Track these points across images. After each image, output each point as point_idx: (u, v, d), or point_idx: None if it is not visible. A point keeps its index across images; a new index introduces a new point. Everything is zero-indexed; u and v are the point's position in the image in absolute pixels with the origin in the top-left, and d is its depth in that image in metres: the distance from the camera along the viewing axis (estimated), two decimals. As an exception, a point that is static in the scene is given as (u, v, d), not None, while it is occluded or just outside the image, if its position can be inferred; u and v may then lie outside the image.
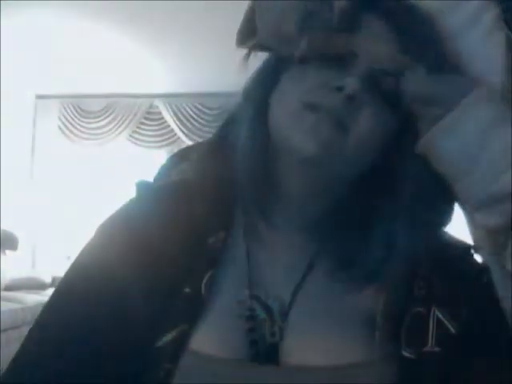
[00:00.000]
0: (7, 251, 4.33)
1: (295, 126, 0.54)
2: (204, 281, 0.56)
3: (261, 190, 0.58)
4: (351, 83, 0.52)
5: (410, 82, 0.54)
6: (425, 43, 0.56)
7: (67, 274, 0.60)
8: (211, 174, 0.61)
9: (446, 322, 0.54)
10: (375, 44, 0.55)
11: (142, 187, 0.66)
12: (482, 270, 0.59)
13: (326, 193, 0.59)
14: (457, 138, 0.52)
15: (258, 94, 0.59)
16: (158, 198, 0.63)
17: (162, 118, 5.21)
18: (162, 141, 5.19)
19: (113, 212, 0.63)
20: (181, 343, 0.54)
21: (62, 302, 0.59)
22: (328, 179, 0.57)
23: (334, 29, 0.55)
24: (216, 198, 0.60)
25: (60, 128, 5.29)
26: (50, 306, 0.59)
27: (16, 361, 0.56)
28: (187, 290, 0.56)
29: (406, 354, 0.54)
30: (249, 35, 0.61)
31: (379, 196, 0.57)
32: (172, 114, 5.12)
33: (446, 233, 0.63)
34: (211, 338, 0.55)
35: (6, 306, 3.37)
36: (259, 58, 0.62)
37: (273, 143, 0.57)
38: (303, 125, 0.53)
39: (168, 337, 0.54)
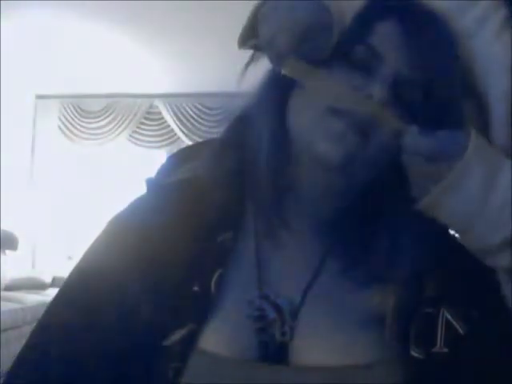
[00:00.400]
0: (7, 251, 4.32)
1: (321, 132, 0.54)
2: (213, 279, 0.56)
3: (277, 190, 0.58)
4: (379, 92, 0.53)
5: (407, 145, 0.54)
6: (441, 47, 0.56)
7: (73, 272, 0.60)
8: (223, 172, 0.61)
9: (454, 322, 0.55)
10: (397, 50, 0.55)
11: (152, 184, 0.66)
12: (492, 270, 0.59)
13: (340, 195, 0.59)
14: (460, 195, 0.52)
15: (275, 94, 0.59)
16: (168, 196, 0.62)
17: (162, 117, 5.21)
18: (162, 141, 5.19)
19: (121, 209, 0.63)
20: (189, 342, 0.54)
21: (67, 301, 0.58)
22: (345, 183, 0.57)
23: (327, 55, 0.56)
24: (227, 196, 0.60)
25: (60, 128, 5.29)
26: (55, 306, 0.58)
27: (19, 361, 0.56)
28: (196, 288, 0.55)
29: (414, 354, 0.54)
30: (249, 38, 0.61)
31: (388, 197, 0.57)
32: (172, 114, 5.12)
33: (453, 235, 0.63)
34: (220, 338, 0.55)
35: (5, 306, 3.37)
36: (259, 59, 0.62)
37: (292, 144, 0.57)
38: (329, 131, 0.53)
39: (176, 336, 0.54)
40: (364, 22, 0.56)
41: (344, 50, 0.55)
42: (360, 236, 0.58)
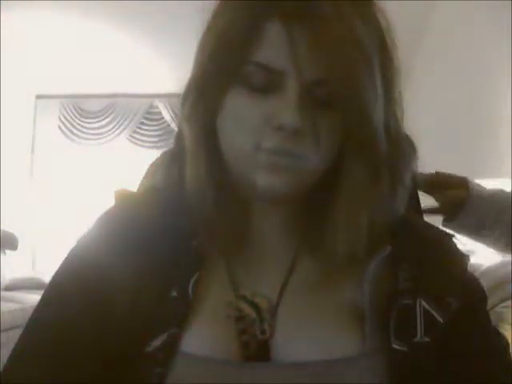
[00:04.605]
0: (7, 251, 4.32)
1: (254, 169, 0.53)
2: (190, 284, 0.56)
3: (225, 202, 0.58)
4: (289, 120, 0.50)
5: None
6: (335, 39, 0.50)
7: (55, 277, 0.60)
8: (172, 183, 0.61)
9: (433, 312, 0.55)
10: (291, 56, 0.50)
11: (121, 196, 0.66)
12: (465, 256, 0.60)
13: (294, 202, 0.59)
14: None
15: (203, 115, 0.57)
16: (138, 205, 0.63)
17: (162, 118, 5.21)
18: (162, 141, 5.19)
19: (93, 220, 0.63)
20: (171, 347, 0.54)
21: (49, 307, 0.59)
22: (294, 196, 0.56)
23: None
24: (185, 204, 0.59)
25: (60, 128, 5.29)
26: (38, 311, 0.59)
27: (9, 363, 0.57)
28: (174, 293, 0.56)
29: (396, 346, 0.54)
30: None
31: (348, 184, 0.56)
32: (172, 114, 5.12)
33: (429, 223, 0.64)
34: (202, 340, 0.55)
35: (5, 306, 3.38)
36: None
37: (229, 173, 0.57)
38: (261, 167, 0.53)
39: (157, 341, 0.53)
40: (246, 35, 0.51)
41: (239, 74, 0.52)
42: (323, 226, 0.57)
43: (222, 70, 0.54)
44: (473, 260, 0.61)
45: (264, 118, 0.52)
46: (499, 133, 2.07)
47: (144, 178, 0.74)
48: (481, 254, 1.71)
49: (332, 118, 0.53)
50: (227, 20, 0.54)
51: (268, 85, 0.52)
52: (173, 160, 0.64)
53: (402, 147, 0.57)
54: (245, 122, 0.53)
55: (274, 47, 0.51)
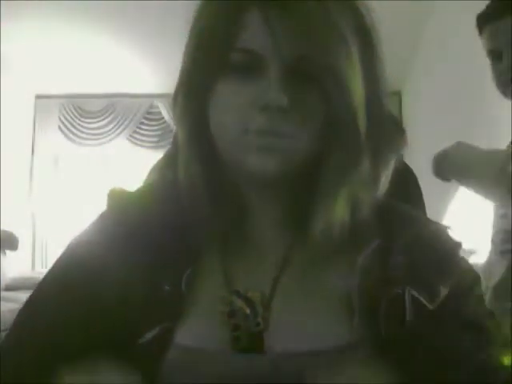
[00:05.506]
0: (7, 251, 4.32)
1: (244, 151, 0.54)
2: (184, 278, 0.57)
3: (220, 199, 0.58)
4: (273, 98, 0.52)
5: None
6: (312, 18, 0.52)
7: (50, 270, 0.61)
8: (171, 182, 0.62)
9: (422, 299, 0.55)
10: (271, 39, 0.52)
11: (115, 195, 0.66)
12: (457, 243, 0.60)
13: (285, 187, 0.59)
14: None
15: (193, 111, 0.58)
16: (132, 203, 0.64)
17: (162, 118, 5.21)
18: (162, 141, 5.19)
19: (91, 220, 0.64)
20: (164, 340, 0.55)
21: (42, 298, 0.60)
22: (285, 179, 0.57)
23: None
24: (182, 202, 0.60)
25: (60, 128, 5.29)
26: (30, 303, 0.60)
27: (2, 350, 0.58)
28: (167, 287, 0.57)
29: (385, 334, 0.54)
30: None
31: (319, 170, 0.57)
32: (172, 113, 5.11)
33: (419, 213, 0.65)
34: (196, 333, 0.56)
35: (5, 306, 3.37)
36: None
37: (223, 161, 0.58)
38: (251, 149, 0.54)
39: (151, 334, 0.55)
40: (228, 26, 0.54)
41: (224, 63, 0.54)
42: (309, 213, 0.58)
43: (206, 62, 0.56)
44: (474, 259, 0.61)
45: (250, 100, 0.54)
46: (499, 132, 2.08)
47: (145, 180, 0.75)
48: (482, 254, 1.71)
49: (315, 96, 0.54)
50: (208, 17, 0.57)
51: (252, 69, 0.54)
52: (169, 160, 0.64)
53: (384, 128, 0.58)
54: (232, 107, 0.55)
55: (253, 33, 0.53)
